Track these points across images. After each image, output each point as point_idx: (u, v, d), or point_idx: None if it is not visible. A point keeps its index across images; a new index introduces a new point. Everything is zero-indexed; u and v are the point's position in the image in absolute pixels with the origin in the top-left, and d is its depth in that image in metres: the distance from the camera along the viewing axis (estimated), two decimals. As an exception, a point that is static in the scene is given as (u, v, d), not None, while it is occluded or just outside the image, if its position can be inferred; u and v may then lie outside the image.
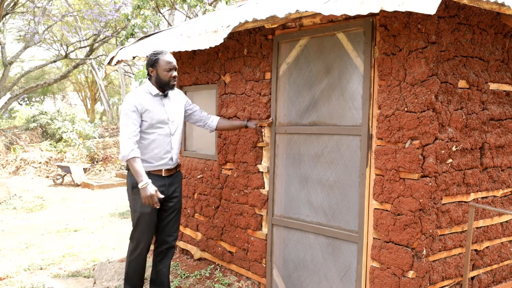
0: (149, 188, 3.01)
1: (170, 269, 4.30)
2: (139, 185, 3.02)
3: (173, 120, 3.33)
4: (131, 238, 3.31)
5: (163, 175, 3.28)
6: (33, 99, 26.74)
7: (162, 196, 3.08)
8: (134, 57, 4.51)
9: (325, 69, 3.16)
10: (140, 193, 3.03)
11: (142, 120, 3.19)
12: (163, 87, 3.26)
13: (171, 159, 3.32)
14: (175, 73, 3.24)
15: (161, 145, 3.25)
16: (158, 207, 3.06)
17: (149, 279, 3.72)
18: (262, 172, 3.67)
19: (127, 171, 3.30)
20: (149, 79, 3.30)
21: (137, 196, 3.19)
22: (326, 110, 3.17)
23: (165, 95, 3.32)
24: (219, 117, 3.64)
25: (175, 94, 3.45)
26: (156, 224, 3.40)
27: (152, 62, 3.24)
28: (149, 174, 3.20)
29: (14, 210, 8.26)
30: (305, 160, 3.33)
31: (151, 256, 3.91)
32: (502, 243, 3.24)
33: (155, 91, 3.26)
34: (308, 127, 3.29)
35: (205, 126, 3.62)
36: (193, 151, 4.57)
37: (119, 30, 16.61)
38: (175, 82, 3.27)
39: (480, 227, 3.06)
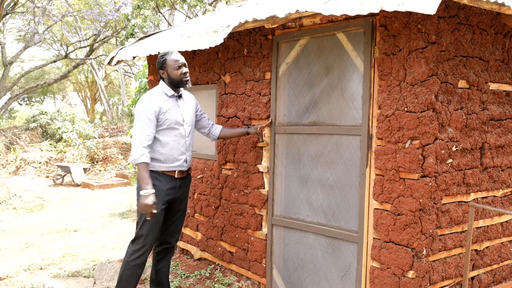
0: (150, 198, 3.02)
1: (170, 269, 4.31)
2: (142, 192, 3.02)
3: (187, 122, 3.34)
4: (135, 238, 3.26)
5: (176, 176, 3.27)
6: (33, 99, 26.73)
7: (155, 211, 3.07)
8: (134, 57, 4.51)
9: (325, 69, 3.16)
10: (140, 200, 3.03)
11: (158, 122, 3.19)
12: (177, 85, 3.27)
13: (185, 160, 3.32)
14: (185, 69, 3.24)
15: (176, 147, 3.25)
16: (149, 218, 3.08)
17: (149, 278, 3.72)
18: (262, 172, 3.67)
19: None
20: (162, 80, 3.31)
21: None
22: (326, 110, 3.16)
23: (179, 96, 3.33)
24: (221, 126, 3.67)
25: (188, 96, 3.46)
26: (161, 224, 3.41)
27: (161, 64, 3.26)
28: (163, 174, 3.22)
29: (14, 210, 8.27)
30: (304, 160, 3.33)
31: (150, 256, 3.90)
32: (502, 243, 3.24)
33: (171, 92, 3.27)
34: (308, 127, 3.29)
35: (209, 134, 3.64)
36: (193, 151, 4.57)
37: (119, 30, 16.62)
38: (187, 78, 3.26)
39: (480, 227, 3.06)
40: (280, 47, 3.47)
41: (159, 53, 3.27)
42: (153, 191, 3.05)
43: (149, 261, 3.99)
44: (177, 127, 3.25)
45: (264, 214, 3.66)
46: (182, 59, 3.26)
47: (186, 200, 3.47)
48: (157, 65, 3.30)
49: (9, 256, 5.17)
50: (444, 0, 2.52)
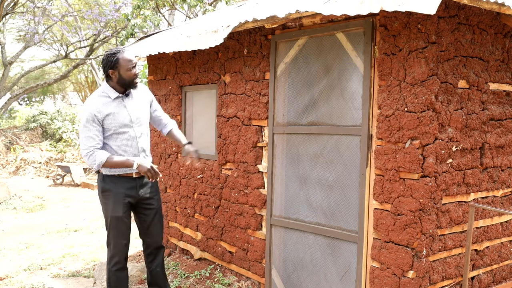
0: (143, 163, 2.99)
1: (170, 269, 4.31)
2: (134, 164, 2.98)
3: (138, 122, 3.15)
4: (107, 244, 3.20)
5: (134, 176, 3.14)
6: (33, 99, 26.72)
7: (156, 166, 3.08)
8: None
9: (324, 69, 3.15)
10: (139, 169, 2.99)
11: (104, 128, 3.03)
12: (127, 87, 3.08)
13: None
14: (138, 71, 3.07)
15: (128, 151, 3.11)
16: (160, 176, 3.07)
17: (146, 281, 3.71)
18: (262, 172, 3.66)
19: (97, 173, 3.19)
20: (107, 81, 3.09)
21: (107, 201, 3.12)
22: (326, 110, 3.16)
23: (127, 95, 3.12)
24: (172, 128, 3.45)
25: (139, 92, 3.23)
26: (139, 227, 3.36)
27: (112, 63, 2.99)
28: (119, 177, 3.11)
29: (14, 210, 8.26)
30: (304, 160, 3.33)
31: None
32: (502, 243, 3.24)
33: (115, 94, 3.05)
34: (307, 127, 3.29)
35: (161, 131, 3.50)
36: (193, 151, 4.56)
37: (119, 30, 16.60)
38: (138, 80, 3.10)
39: (480, 227, 3.06)
40: (278, 47, 3.47)
41: (110, 50, 3.06)
42: (138, 158, 3.04)
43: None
44: (125, 130, 3.07)
45: (264, 214, 3.66)
46: (135, 59, 3.06)
47: (156, 198, 3.31)
48: (106, 64, 3.01)
49: (9, 256, 5.17)
50: (444, 0, 2.52)
